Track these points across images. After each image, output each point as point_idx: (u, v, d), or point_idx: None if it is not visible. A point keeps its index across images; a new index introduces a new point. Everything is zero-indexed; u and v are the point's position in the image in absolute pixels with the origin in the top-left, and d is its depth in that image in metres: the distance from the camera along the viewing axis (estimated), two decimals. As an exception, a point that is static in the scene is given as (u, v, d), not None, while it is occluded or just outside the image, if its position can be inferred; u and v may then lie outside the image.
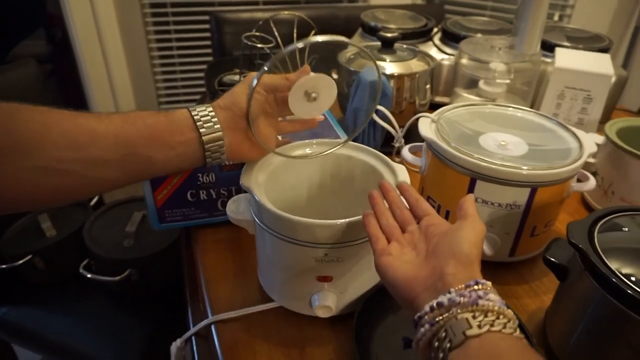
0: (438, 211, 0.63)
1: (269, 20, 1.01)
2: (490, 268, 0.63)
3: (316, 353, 0.52)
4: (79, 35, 1.88)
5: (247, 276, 0.61)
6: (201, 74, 2.13)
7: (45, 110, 0.41)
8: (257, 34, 0.98)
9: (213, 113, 0.48)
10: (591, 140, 0.60)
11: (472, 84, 0.90)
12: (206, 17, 1.96)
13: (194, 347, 0.57)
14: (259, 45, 0.96)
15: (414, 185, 0.50)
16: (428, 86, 0.90)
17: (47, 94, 1.02)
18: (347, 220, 0.46)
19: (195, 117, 0.47)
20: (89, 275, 0.88)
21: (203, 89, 2.19)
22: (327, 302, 0.50)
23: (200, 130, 0.46)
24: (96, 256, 0.90)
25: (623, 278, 0.41)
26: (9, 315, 0.94)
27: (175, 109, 0.48)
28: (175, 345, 0.58)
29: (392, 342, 0.52)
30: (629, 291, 0.40)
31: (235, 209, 0.54)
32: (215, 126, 0.47)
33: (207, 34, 2.00)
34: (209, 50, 2.07)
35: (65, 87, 2.07)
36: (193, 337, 0.58)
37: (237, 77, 1.00)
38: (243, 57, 1.00)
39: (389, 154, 0.62)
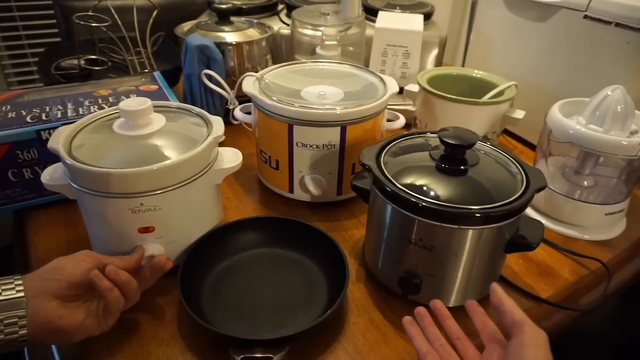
0: (269, 162, 0.67)
1: None
2: (323, 207, 0.69)
3: (149, 304, 0.53)
4: None
5: (82, 248, 0.60)
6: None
7: None
8: (92, 14, 0.95)
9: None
10: (394, 83, 0.68)
11: (312, 51, 0.95)
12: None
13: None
14: (93, 25, 0.93)
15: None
16: (269, 56, 0.94)
17: None
18: (159, 164, 0.48)
19: None
20: None
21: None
22: (153, 252, 0.51)
23: None
24: None
25: (399, 185, 0.48)
26: None
27: None
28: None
29: (225, 287, 0.54)
30: (402, 194, 0.46)
31: (50, 175, 0.53)
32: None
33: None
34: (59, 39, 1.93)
35: None
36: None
37: (75, 62, 0.95)
38: (85, 42, 0.96)
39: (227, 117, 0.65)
